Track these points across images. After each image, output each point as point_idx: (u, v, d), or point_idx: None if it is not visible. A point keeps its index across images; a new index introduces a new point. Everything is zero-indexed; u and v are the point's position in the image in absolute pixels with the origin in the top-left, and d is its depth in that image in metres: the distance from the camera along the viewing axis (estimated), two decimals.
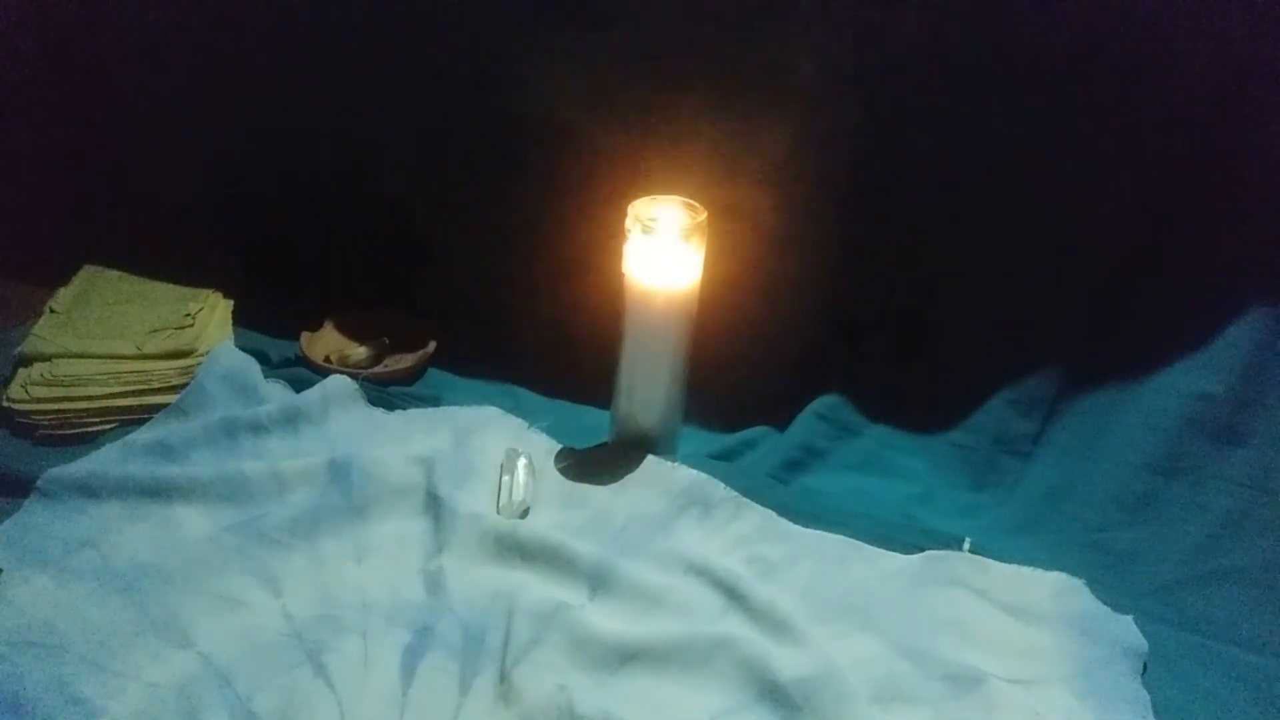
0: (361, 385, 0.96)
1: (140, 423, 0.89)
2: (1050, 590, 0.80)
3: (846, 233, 0.96)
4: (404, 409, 0.94)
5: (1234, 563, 0.84)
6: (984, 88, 0.88)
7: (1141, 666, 0.75)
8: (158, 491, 0.81)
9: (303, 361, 1.01)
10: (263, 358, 0.98)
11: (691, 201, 0.85)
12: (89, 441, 0.87)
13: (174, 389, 0.92)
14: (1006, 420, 0.94)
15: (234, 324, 1.02)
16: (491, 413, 0.94)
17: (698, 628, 0.74)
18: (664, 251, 0.83)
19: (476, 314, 1.06)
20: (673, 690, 0.70)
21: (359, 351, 1.03)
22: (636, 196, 0.85)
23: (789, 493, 0.90)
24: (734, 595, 0.76)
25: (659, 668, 0.71)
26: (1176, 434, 0.87)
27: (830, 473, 0.95)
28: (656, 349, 0.87)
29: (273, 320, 1.04)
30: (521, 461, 0.87)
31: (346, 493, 0.82)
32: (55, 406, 0.88)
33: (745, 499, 0.86)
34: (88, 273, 1.04)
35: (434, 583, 0.77)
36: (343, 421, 0.92)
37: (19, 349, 0.92)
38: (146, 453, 0.85)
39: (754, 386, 1.00)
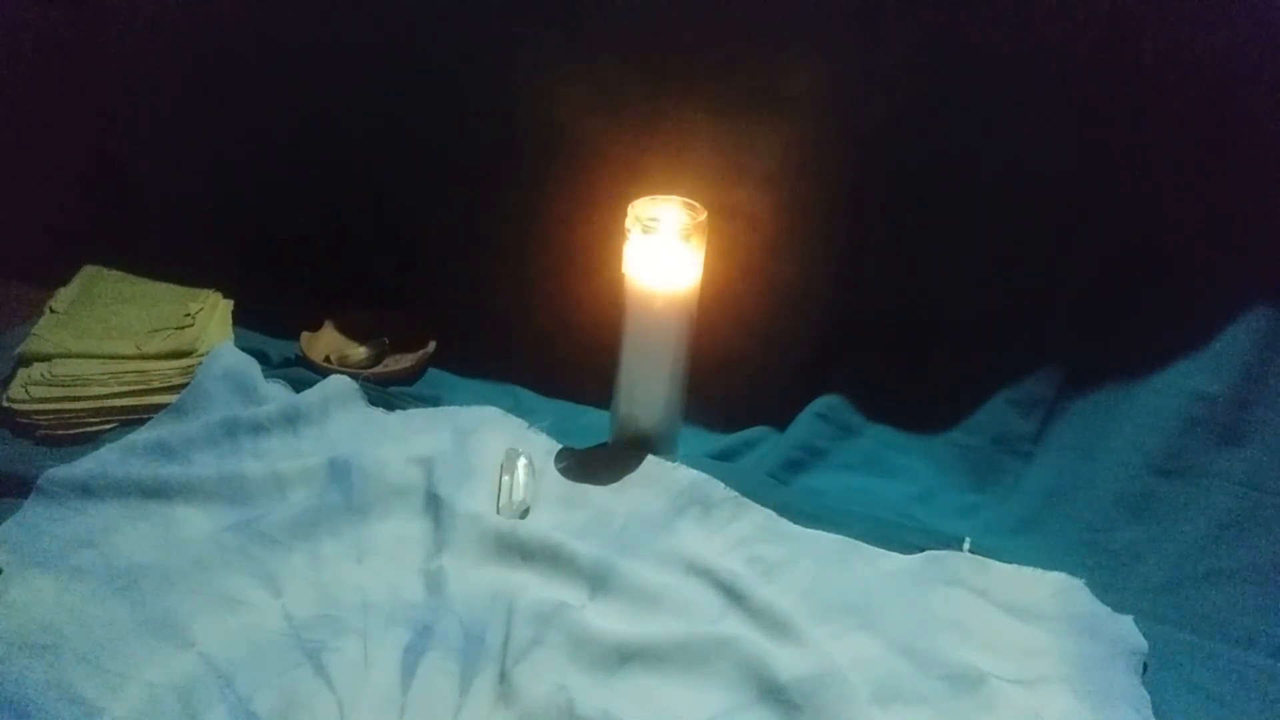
0: (361, 385, 0.96)
1: (140, 423, 0.89)
2: (1050, 590, 0.80)
3: (847, 233, 0.96)
4: (404, 409, 0.94)
5: (1234, 563, 0.84)
6: (984, 88, 0.88)
7: (1141, 666, 0.75)
8: (158, 491, 0.81)
9: (303, 361, 1.01)
10: (263, 358, 0.98)
11: (691, 201, 0.85)
12: (89, 441, 0.87)
13: (174, 389, 0.92)
14: (1006, 420, 0.94)
15: (234, 324, 1.02)
16: (491, 413, 0.94)
17: (698, 628, 0.74)
18: (664, 252, 0.83)
19: (476, 314, 1.06)
20: (673, 690, 0.70)
21: (359, 351, 1.03)
22: (636, 196, 0.86)
23: (789, 493, 0.90)
24: (734, 595, 0.76)
25: (659, 668, 0.71)
26: (1176, 434, 0.87)
27: (830, 473, 0.95)
28: (656, 349, 0.87)
29: (273, 320, 1.04)
30: (521, 461, 0.87)
31: (346, 493, 0.82)
32: (55, 406, 0.88)
33: (745, 499, 0.86)
34: (88, 273, 1.04)
35: (434, 583, 0.77)
36: (343, 421, 0.92)
37: (19, 349, 0.92)
38: (146, 453, 0.85)
39: (754, 386, 1.00)
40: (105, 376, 0.90)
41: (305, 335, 1.04)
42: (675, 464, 0.89)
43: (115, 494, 0.80)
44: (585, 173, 0.98)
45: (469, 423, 0.92)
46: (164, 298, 1.01)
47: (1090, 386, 0.91)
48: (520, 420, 0.94)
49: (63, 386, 0.88)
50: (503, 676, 0.69)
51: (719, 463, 0.92)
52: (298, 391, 0.95)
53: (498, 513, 0.83)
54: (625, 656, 0.72)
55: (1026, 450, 0.93)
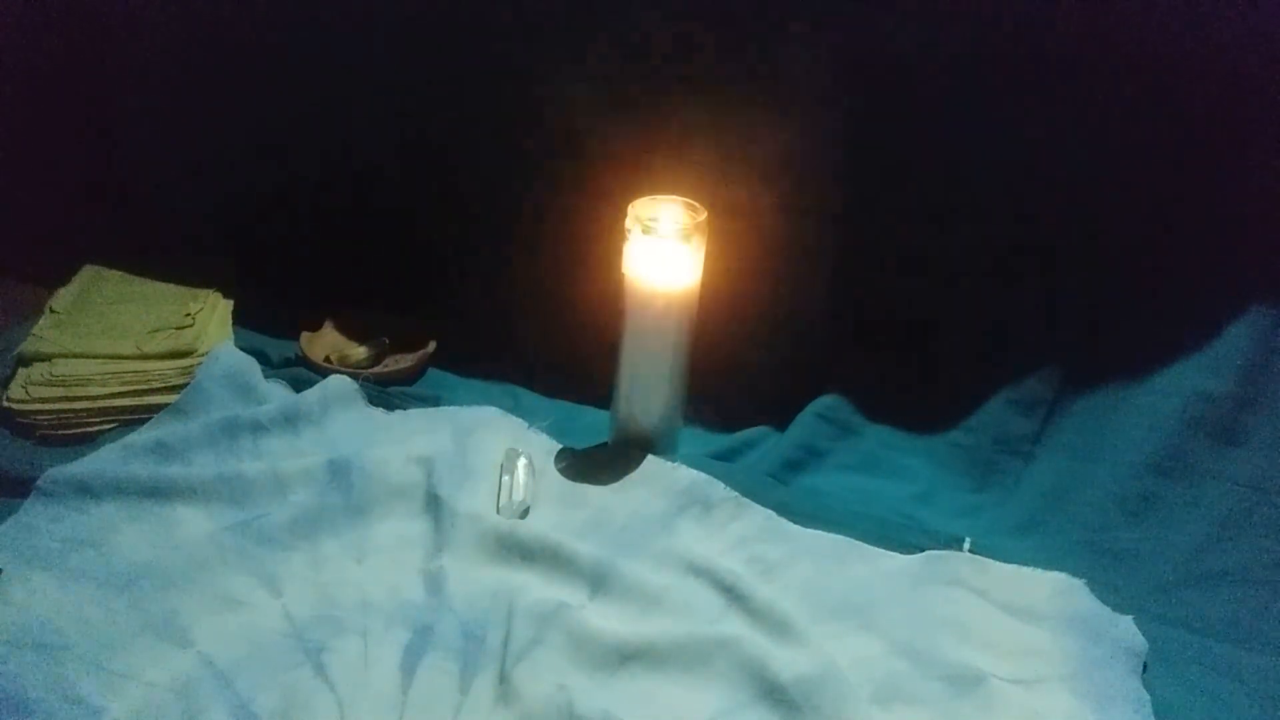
0: (361, 385, 0.96)
1: (140, 423, 0.89)
2: (1050, 590, 0.80)
3: (846, 232, 0.96)
4: (404, 409, 0.94)
5: (1234, 563, 0.84)
6: (984, 88, 0.88)
7: (1141, 666, 0.75)
8: (158, 491, 0.81)
9: (303, 361, 1.01)
10: (263, 358, 0.98)
11: (691, 201, 0.85)
12: (89, 441, 0.87)
13: (174, 389, 0.92)
14: (1006, 420, 0.94)
15: (234, 324, 1.01)
16: (491, 413, 0.94)
17: (698, 628, 0.74)
18: (664, 251, 0.83)
19: (476, 314, 1.06)
20: (673, 690, 0.70)
21: (359, 351, 1.03)
22: (636, 196, 0.86)
23: (789, 493, 0.90)
24: (734, 595, 0.76)
25: (659, 668, 0.71)
26: (1176, 434, 0.87)
27: (830, 473, 0.95)
28: (656, 349, 0.87)
29: (273, 320, 1.04)
30: (521, 461, 0.87)
31: (346, 493, 0.82)
32: (55, 406, 0.88)
33: (745, 499, 0.86)
34: (88, 273, 1.04)
35: (434, 583, 0.77)
36: (343, 421, 0.92)
37: (19, 349, 0.92)
38: (146, 453, 0.85)
39: (754, 386, 1.00)
40: (105, 376, 0.90)
41: (305, 335, 1.04)
42: (675, 464, 0.89)
43: (115, 494, 0.80)
44: (585, 173, 0.98)
45: (469, 423, 0.92)
46: (164, 298, 1.01)
47: (1090, 386, 0.91)
48: (520, 420, 0.94)
49: (63, 386, 0.88)
50: (503, 677, 0.69)
51: (719, 463, 0.92)
52: (298, 391, 0.95)
53: (498, 513, 0.83)
54: (625, 656, 0.72)
55: (1026, 450, 0.93)
